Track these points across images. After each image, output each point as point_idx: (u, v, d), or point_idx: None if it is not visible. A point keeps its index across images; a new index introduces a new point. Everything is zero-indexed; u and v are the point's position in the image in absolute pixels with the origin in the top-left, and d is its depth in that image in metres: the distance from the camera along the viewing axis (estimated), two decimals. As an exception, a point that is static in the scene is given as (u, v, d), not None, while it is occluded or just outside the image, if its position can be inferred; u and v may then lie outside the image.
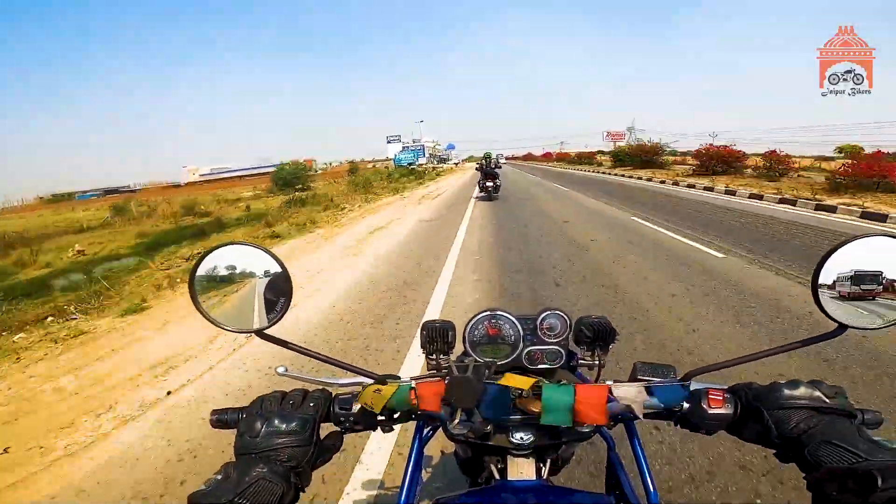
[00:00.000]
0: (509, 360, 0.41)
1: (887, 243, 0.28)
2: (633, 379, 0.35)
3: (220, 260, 0.32)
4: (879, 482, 0.21)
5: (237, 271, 0.32)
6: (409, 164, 30.32)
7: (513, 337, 0.41)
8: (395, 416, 0.34)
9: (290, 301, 0.32)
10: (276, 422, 0.28)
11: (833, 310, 0.29)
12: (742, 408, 0.30)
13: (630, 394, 0.32)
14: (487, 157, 7.40)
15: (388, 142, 70.39)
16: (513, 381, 0.33)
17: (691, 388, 0.33)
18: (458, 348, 0.43)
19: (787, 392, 0.28)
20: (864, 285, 0.29)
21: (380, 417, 0.34)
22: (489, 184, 7.06)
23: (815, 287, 0.29)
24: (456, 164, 42.65)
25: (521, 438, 0.33)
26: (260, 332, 0.32)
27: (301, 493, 0.27)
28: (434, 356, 0.42)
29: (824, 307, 0.29)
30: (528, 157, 68.92)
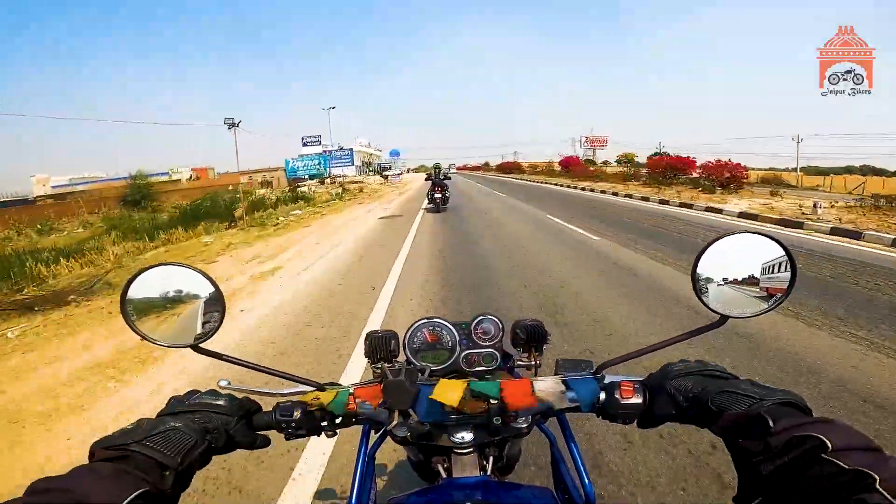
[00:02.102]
0: (447, 364, 0.53)
1: (752, 240, 0.39)
2: (555, 374, 0.45)
3: (151, 280, 0.39)
4: (771, 423, 0.28)
5: (169, 290, 0.40)
6: (314, 176, 26.54)
7: (450, 342, 0.54)
8: (337, 421, 0.43)
9: (224, 316, 0.41)
10: (208, 397, 0.37)
11: (713, 303, 0.39)
12: (649, 391, 0.40)
13: (549, 387, 0.43)
14: (437, 168, 9.05)
15: (305, 144, 67.18)
16: (445, 386, 0.42)
17: (606, 381, 0.43)
18: (403, 356, 0.55)
19: (679, 365, 0.40)
20: (737, 278, 0.39)
21: (322, 423, 0.42)
22: (438, 195, 8.31)
23: (694, 282, 0.39)
24: (388, 177, 34.31)
25: (462, 438, 0.43)
26: (195, 347, 0.40)
27: (213, 455, 0.34)
28: (378, 364, 0.53)
29: (705, 300, 0.39)
30: (483, 168, 70.99)
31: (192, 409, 0.36)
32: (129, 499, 0.26)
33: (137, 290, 0.40)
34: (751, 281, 0.40)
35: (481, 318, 0.56)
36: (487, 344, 0.55)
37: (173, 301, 0.42)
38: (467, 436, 0.44)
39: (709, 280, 0.40)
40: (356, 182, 23.57)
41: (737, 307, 0.40)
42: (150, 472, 0.29)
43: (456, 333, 0.55)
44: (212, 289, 0.42)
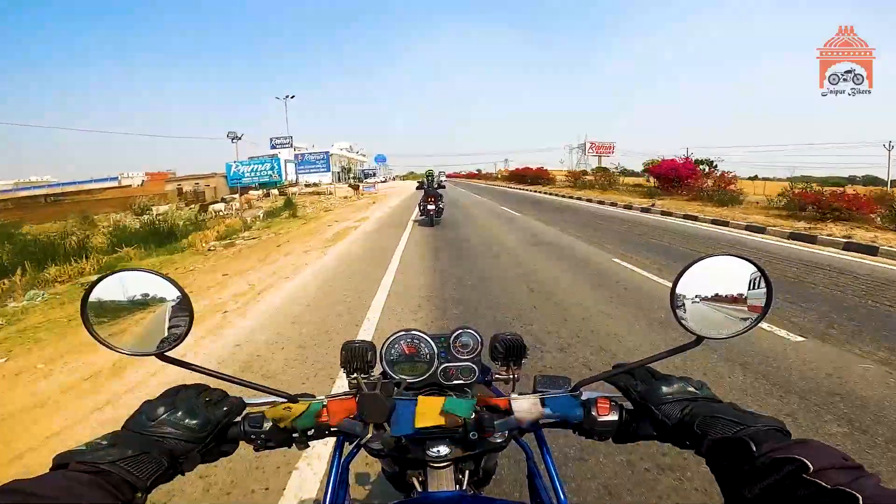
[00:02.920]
0: (425, 377, 0.56)
1: (730, 262, 0.43)
2: (533, 391, 0.49)
3: (113, 286, 0.41)
4: (754, 448, 0.32)
5: (133, 296, 0.42)
6: (266, 184, 22.76)
7: (428, 355, 0.57)
8: (310, 433, 0.46)
9: (192, 323, 0.43)
10: (180, 414, 0.39)
11: (689, 323, 0.43)
12: (630, 411, 0.45)
13: (527, 405, 0.47)
14: (430, 175, 8.74)
15: (273, 146, 65.15)
16: (424, 404, 0.46)
17: (583, 398, 0.48)
18: (379, 368, 0.58)
19: (665, 389, 0.43)
20: (714, 299, 0.43)
21: (293, 434, 0.45)
22: (431, 206, 8.00)
23: (672, 302, 0.43)
24: (359, 187, 27.29)
25: (438, 451, 0.46)
26: (161, 355, 0.42)
27: (181, 475, 0.39)
28: (354, 375, 0.55)
29: (682, 321, 0.43)
30: (474, 176, 73.00)
31: (161, 433, 0.38)
32: None
33: (99, 296, 0.41)
34: (727, 300, 0.44)
35: (460, 331, 0.59)
36: (466, 357, 0.58)
37: (138, 307, 0.43)
38: (443, 449, 0.46)
39: (687, 299, 0.44)
40: (320, 192, 19.78)
41: (713, 327, 0.44)
42: (124, 490, 0.33)
43: (434, 346, 0.58)
44: (178, 294, 0.43)
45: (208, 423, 0.42)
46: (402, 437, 0.45)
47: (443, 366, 0.58)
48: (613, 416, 0.46)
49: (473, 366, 0.58)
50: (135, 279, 0.43)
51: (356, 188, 23.91)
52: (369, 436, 0.45)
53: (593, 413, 0.47)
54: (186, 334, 0.44)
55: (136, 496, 0.34)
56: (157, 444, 0.38)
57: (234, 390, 0.47)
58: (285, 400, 0.48)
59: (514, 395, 0.50)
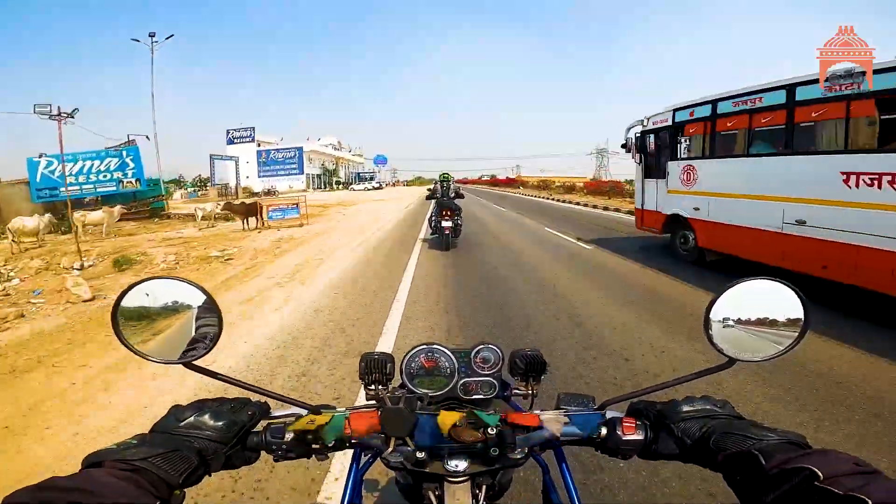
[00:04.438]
0: (444, 391, 0.67)
1: (768, 285, 0.51)
2: (556, 408, 0.59)
3: (145, 293, 0.49)
4: (763, 460, 0.39)
5: (164, 304, 0.49)
6: (115, 197, 14.87)
7: (448, 369, 0.68)
8: (330, 444, 0.55)
9: (220, 333, 0.51)
10: (206, 416, 0.48)
11: (723, 345, 0.51)
12: (653, 430, 0.54)
13: (551, 422, 0.55)
14: (445, 180, 8.06)
15: (231, 141, 59.78)
16: (446, 417, 0.54)
17: (607, 417, 0.56)
18: (398, 379, 0.69)
19: (685, 408, 0.52)
20: (749, 322, 0.51)
21: (314, 446, 0.54)
22: (445, 223, 7.20)
23: (706, 324, 0.51)
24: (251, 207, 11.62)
25: (456, 466, 0.53)
26: (188, 363, 0.50)
27: (207, 476, 0.47)
28: (373, 387, 0.66)
29: (715, 342, 0.51)
30: (487, 182, 71.31)
31: (188, 433, 0.48)
32: None
33: (131, 304, 0.50)
34: (762, 324, 0.51)
35: (482, 346, 0.70)
36: (487, 372, 0.69)
37: (168, 315, 0.51)
38: (461, 464, 0.54)
39: (722, 322, 0.51)
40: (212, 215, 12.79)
41: (747, 350, 0.52)
42: (160, 488, 0.41)
43: (455, 361, 0.69)
44: (209, 304, 0.52)
45: (234, 424, 0.52)
46: (422, 451, 0.53)
47: (463, 380, 0.69)
48: (638, 436, 0.54)
49: (494, 381, 0.69)
50: (165, 287, 0.51)
51: (244, 212, 11.55)
52: (390, 449, 0.54)
53: (618, 432, 0.54)
54: (214, 344, 0.53)
55: (175, 493, 0.42)
56: (186, 444, 0.47)
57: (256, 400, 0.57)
58: (308, 411, 0.57)
59: (538, 412, 0.58)
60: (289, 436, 0.55)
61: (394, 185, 75.48)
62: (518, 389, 0.72)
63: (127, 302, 0.50)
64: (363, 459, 0.68)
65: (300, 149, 58.04)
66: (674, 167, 5.34)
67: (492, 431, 0.53)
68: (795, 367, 2.64)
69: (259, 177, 57.38)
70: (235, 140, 60.12)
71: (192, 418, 0.50)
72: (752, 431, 0.45)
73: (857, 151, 3.41)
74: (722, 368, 0.52)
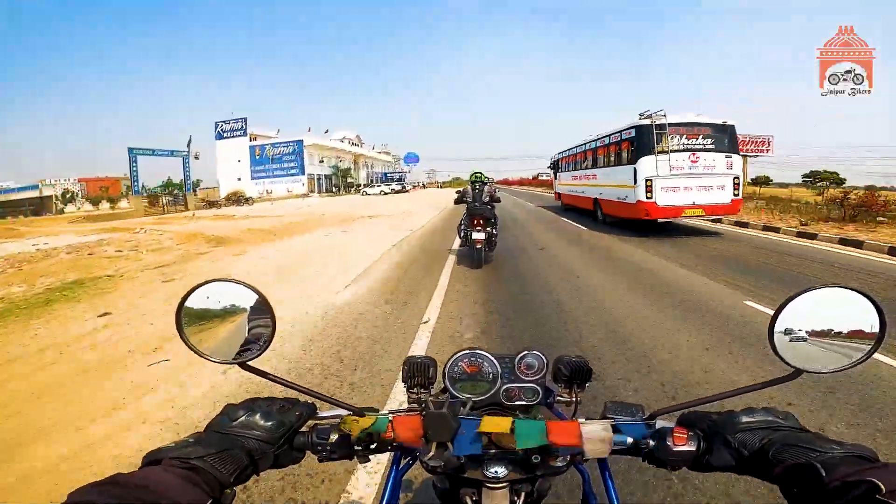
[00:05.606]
0: (486, 396, 0.95)
1: (840, 294, 0.71)
2: (602, 417, 0.84)
3: (206, 295, 0.78)
4: (823, 472, 0.56)
5: (222, 306, 0.79)
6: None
7: (491, 375, 0.96)
8: (372, 447, 0.83)
9: (273, 335, 0.81)
10: (257, 416, 0.76)
11: (788, 355, 0.72)
12: (705, 440, 0.75)
13: (598, 431, 0.78)
14: (478, 179, 8.97)
15: (220, 136, 69.18)
16: (489, 422, 0.80)
17: (657, 427, 0.80)
18: (439, 383, 0.99)
19: (745, 418, 0.72)
20: (817, 333, 0.71)
21: (356, 447, 0.82)
22: (477, 234, 8.36)
23: (771, 333, 0.73)
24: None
25: (496, 472, 0.79)
26: (243, 364, 0.78)
27: (255, 475, 0.74)
28: (415, 390, 0.99)
29: (780, 352, 0.72)
30: (527, 182, 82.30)
31: (240, 432, 0.74)
32: None
33: (193, 305, 0.79)
34: (831, 335, 0.70)
35: (526, 352, 0.98)
36: (530, 379, 0.96)
37: (226, 317, 0.81)
38: (501, 471, 0.79)
39: (787, 332, 0.71)
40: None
41: (814, 362, 0.70)
42: (213, 486, 0.62)
43: (498, 366, 0.96)
44: (264, 306, 0.81)
45: (282, 425, 0.79)
46: (463, 456, 0.78)
47: (506, 386, 0.96)
48: (690, 447, 0.74)
49: (537, 387, 0.95)
50: (224, 289, 0.80)
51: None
52: (431, 453, 0.76)
53: (667, 442, 0.75)
54: (267, 346, 0.82)
55: (226, 492, 0.65)
56: (238, 443, 0.72)
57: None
58: (351, 412, 0.84)
59: (584, 420, 0.81)
60: (334, 437, 0.83)
61: (424, 186, 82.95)
62: (561, 396, 1.00)
63: (190, 303, 0.79)
64: (402, 462, 0.97)
65: (299, 143, 64.85)
66: (559, 174, 21.51)
67: (538, 439, 0.76)
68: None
69: (252, 178, 66.46)
70: (225, 134, 69.06)
71: (243, 418, 0.76)
72: (816, 444, 0.61)
73: (585, 168, 16.98)
74: (786, 380, 0.72)
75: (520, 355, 0.98)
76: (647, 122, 11.40)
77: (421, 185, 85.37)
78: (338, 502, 2.40)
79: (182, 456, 0.63)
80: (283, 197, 57.91)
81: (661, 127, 11.25)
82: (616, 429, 0.79)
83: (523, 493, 0.83)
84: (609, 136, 13.96)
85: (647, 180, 11.29)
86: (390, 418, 0.83)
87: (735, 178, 11.59)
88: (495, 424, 0.79)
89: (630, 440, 0.79)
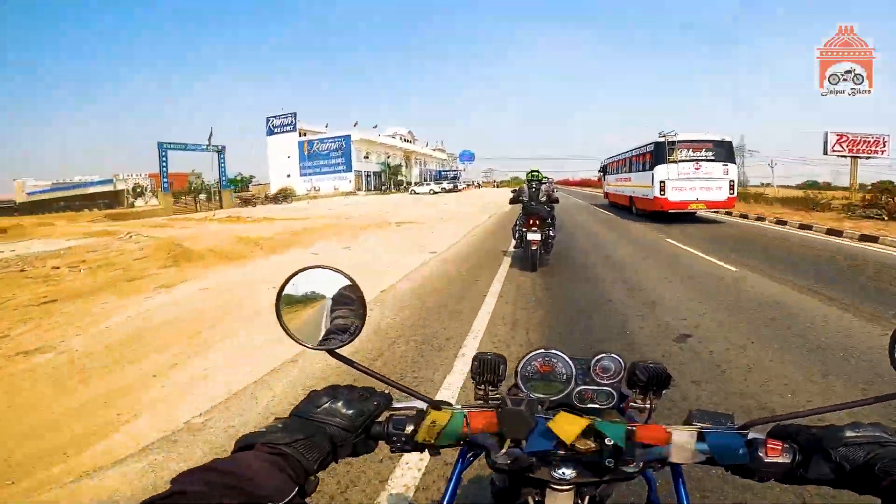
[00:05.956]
0: (558, 397, 1.05)
1: None
2: (687, 423, 0.93)
3: (304, 281, 0.97)
4: None
5: (318, 292, 0.98)
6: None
7: (565, 376, 1.06)
8: (444, 441, 0.95)
9: (363, 325, 0.98)
10: (339, 405, 0.91)
11: None
12: (802, 454, 0.83)
13: (683, 438, 0.88)
14: (534, 178, 9.84)
15: (271, 132, 78.11)
16: (565, 420, 0.90)
17: (749, 437, 0.88)
18: (507, 382, 1.13)
19: (850, 433, 0.79)
20: None
21: (429, 440, 0.94)
22: (533, 234, 9.12)
23: (892, 349, 0.80)
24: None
25: (563, 473, 0.89)
26: (331, 351, 0.96)
27: (334, 462, 0.88)
28: (483, 387, 1.10)
29: None
30: (588, 183, 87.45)
31: (324, 419, 0.87)
32: (292, 495, 0.67)
33: (291, 291, 0.96)
34: None
35: (603, 355, 1.07)
36: (606, 382, 1.05)
37: (320, 303, 0.97)
38: (569, 472, 0.89)
39: None
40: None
41: None
42: (298, 473, 0.73)
43: (573, 367, 1.06)
44: (357, 296, 0.97)
45: (362, 413, 0.91)
46: (533, 454, 0.88)
47: (580, 388, 1.05)
48: (784, 459, 0.82)
49: (613, 391, 1.04)
50: (322, 277, 0.97)
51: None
52: (504, 450, 0.89)
53: (760, 453, 0.83)
54: (356, 336, 0.97)
55: (310, 479, 0.75)
56: (321, 430, 0.84)
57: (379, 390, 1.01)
58: (427, 403, 0.99)
59: (663, 426, 0.91)
60: (409, 428, 0.95)
61: (478, 185, 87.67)
62: (635, 402, 1.08)
63: (289, 289, 0.95)
64: (466, 457, 1.08)
65: (347, 138, 70.36)
66: (606, 177, 30.11)
67: (610, 442, 0.85)
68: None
69: (301, 175, 73.04)
70: (276, 129, 76.43)
71: (327, 405, 0.89)
72: None
73: (623, 172, 24.79)
74: None
75: (596, 357, 1.08)
76: (662, 139, 17.72)
77: (475, 183, 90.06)
78: (377, 495, 2.86)
79: (272, 441, 0.77)
80: (329, 195, 63.28)
81: (672, 143, 17.84)
82: (702, 436, 0.88)
83: (587, 497, 0.95)
84: (638, 148, 21.03)
85: (661, 182, 17.82)
86: (466, 413, 0.97)
87: (731, 181, 17.93)
88: (573, 423, 0.90)
89: (716, 449, 0.86)
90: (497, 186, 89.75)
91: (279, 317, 0.95)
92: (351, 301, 0.98)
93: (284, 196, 56.02)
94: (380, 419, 0.97)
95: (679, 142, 17.82)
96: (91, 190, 63.75)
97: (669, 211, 18.11)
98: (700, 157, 17.90)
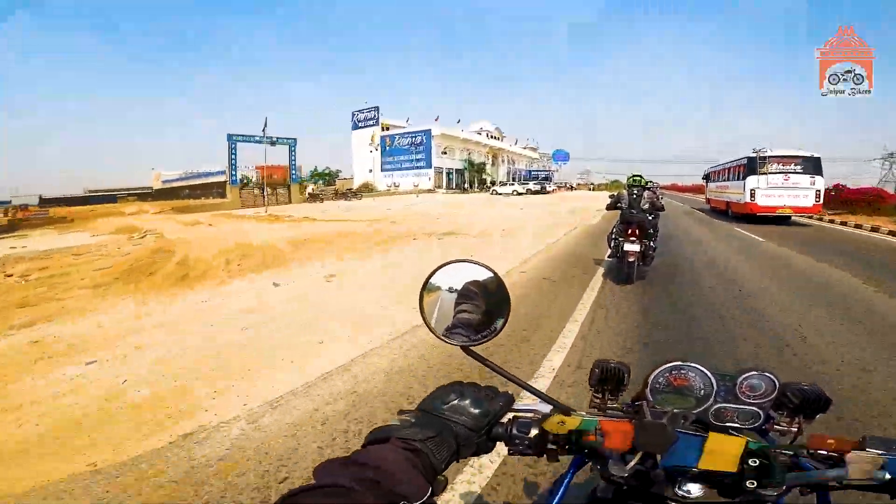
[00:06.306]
0: (696, 412, 1.13)
1: None
2: (862, 448, 0.95)
3: (448, 275, 1.13)
4: None
5: (460, 287, 1.12)
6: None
7: (702, 391, 1.13)
8: (566, 447, 1.09)
9: (506, 324, 1.10)
10: (466, 403, 1.04)
11: None
12: None
13: (860, 462, 0.92)
14: (636, 183, 10.10)
15: (356, 126, 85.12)
16: (716, 440, 1.00)
17: None
18: (631, 392, 1.24)
19: None
20: None
21: (550, 446, 1.09)
22: (630, 245, 9.36)
23: None
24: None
25: (688, 491, 0.98)
26: (465, 348, 1.09)
27: (455, 461, 0.98)
28: (600, 395, 1.22)
29: None
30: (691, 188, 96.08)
31: (451, 417, 0.97)
32: (427, 495, 0.77)
33: (435, 283, 1.09)
34: None
35: (753, 372, 1.12)
36: (753, 402, 1.11)
37: (462, 297, 1.08)
38: (695, 490, 0.96)
39: None
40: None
41: None
42: (429, 472, 0.82)
43: (714, 383, 1.12)
44: (502, 293, 1.07)
45: (488, 413, 1.01)
46: (665, 470, 0.97)
47: (719, 405, 1.11)
48: None
49: (760, 411, 1.10)
50: (469, 271, 1.08)
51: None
52: (633, 463, 0.95)
53: None
54: (497, 334, 1.06)
55: (438, 479, 0.83)
56: (448, 428, 0.92)
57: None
58: (553, 407, 1.07)
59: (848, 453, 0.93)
60: (534, 431, 1.04)
61: (571, 188, 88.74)
62: (779, 424, 1.13)
63: (434, 280, 1.09)
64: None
65: (427, 132, 74.79)
66: (709, 185, 36.16)
67: (754, 463, 0.92)
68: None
69: (382, 170, 79.22)
70: (360, 124, 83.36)
71: (455, 402, 0.99)
72: None
73: (721, 181, 31.58)
74: None
75: (744, 375, 1.12)
76: (755, 154, 24.06)
77: (567, 185, 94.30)
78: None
79: (408, 437, 0.86)
80: (407, 192, 67.50)
81: (763, 158, 23.63)
82: (883, 466, 0.89)
83: None
84: (735, 161, 27.13)
85: (751, 190, 23.70)
86: (598, 420, 1.05)
87: (817, 191, 23.25)
88: (723, 444, 0.97)
89: (890, 475, 0.88)
90: (592, 189, 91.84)
91: (421, 303, 1.12)
92: (497, 300, 1.10)
93: (354, 193, 60.28)
94: (502, 420, 1.09)
95: (770, 157, 23.76)
96: (210, 180, 75.77)
97: (758, 214, 23.81)
98: (789, 171, 23.57)
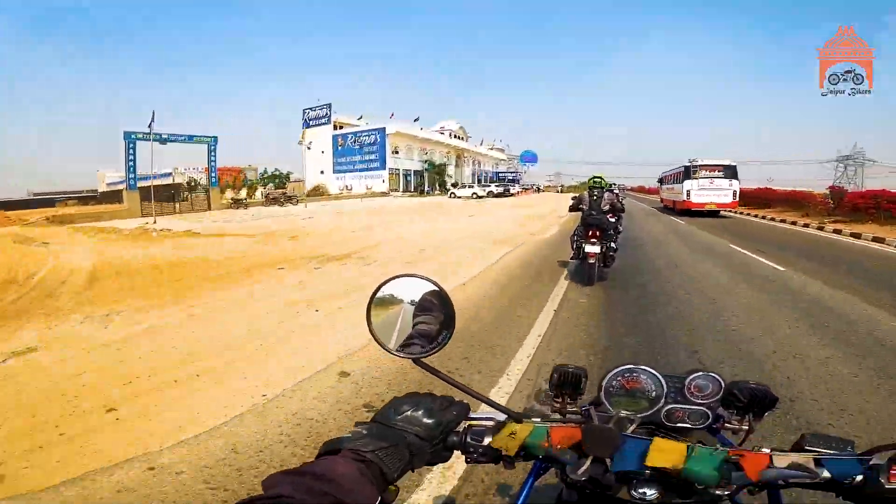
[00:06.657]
0: (644, 414, 1.29)
1: None
2: (797, 448, 1.11)
3: (394, 289, 1.38)
4: None
5: (408, 300, 1.36)
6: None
7: (653, 393, 1.30)
8: (521, 454, 1.24)
9: (451, 335, 1.31)
10: (419, 413, 1.18)
11: None
12: None
13: (791, 465, 1.06)
14: (596, 185, 11.64)
15: (307, 124, 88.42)
16: (660, 446, 1.12)
17: (871, 462, 1.03)
18: (587, 396, 1.47)
19: None
20: None
21: (505, 454, 1.22)
22: (591, 247, 10.72)
23: None
24: None
25: (644, 493, 1.10)
26: (417, 360, 1.30)
27: (410, 471, 1.14)
28: (560, 399, 1.42)
29: None
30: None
31: (404, 427, 1.09)
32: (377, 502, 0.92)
33: (382, 295, 1.33)
34: None
35: (700, 373, 1.26)
36: (700, 402, 1.24)
37: (408, 311, 1.31)
38: (651, 493, 1.06)
39: None
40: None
41: None
42: (379, 481, 0.96)
43: (665, 385, 1.25)
44: (444, 305, 1.29)
45: (441, 424, 1.13)
46: (615, 473, 1.07)
47: (669, 406, 1.24)
48: None
49: (708, 411, 1.23)
50: (412, 286, 1.31)
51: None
52: (585, 468, 1.05)
53: (881, 479, 0.95)
54: (444, 345, 1.25)
55: (389, 489, 0.97)
56: (402, 438, 1.05)
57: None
58: (507, 415, 1.23)
59: (777, 452, 1.06)
60: (487, 440, 1.17)
61: (538, 190, 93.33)
62: (730, 423, 1.27)
63: (380, 293, 1.26)
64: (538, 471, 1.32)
65: (381, 131, 76.64)
66: (662, 187, 52.67)
67: (697, 465, 1.02)
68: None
69: (334, 171, 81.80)
70: (311, 122, 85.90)
71: (409, 412, 1.10)
72: None
73: (669, 183, 45.95)
74: None
75: (692, 376, 1.26)
76: (689, 164, 35.53)
77: (535, 188, 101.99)
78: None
79: (359, 448, 0.95)
80: (360, 195, 69.41)
81: (695, 166, 34.98)
82: (819, 464, 1.00)
83: None
84: (677, 168, 38.81)
85: (687, 191, 34.78)
86: (548, 427, 1.18)
87: (734, 190, 34.68)
88: (666, 449, 1.07)
89: (832, 475, 0.99)
90: (561, 191, 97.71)
91: (369, 322, 1.28)
92: (442, 312, 1.28)
93: (289, 198, 59.03)
94: (457, 429, 1.21)
95: (699, 165, 34.67)
96: (156, 182, 72.95)
97: (692, 209, 34.21)
98: (713, 176, 34.29)
